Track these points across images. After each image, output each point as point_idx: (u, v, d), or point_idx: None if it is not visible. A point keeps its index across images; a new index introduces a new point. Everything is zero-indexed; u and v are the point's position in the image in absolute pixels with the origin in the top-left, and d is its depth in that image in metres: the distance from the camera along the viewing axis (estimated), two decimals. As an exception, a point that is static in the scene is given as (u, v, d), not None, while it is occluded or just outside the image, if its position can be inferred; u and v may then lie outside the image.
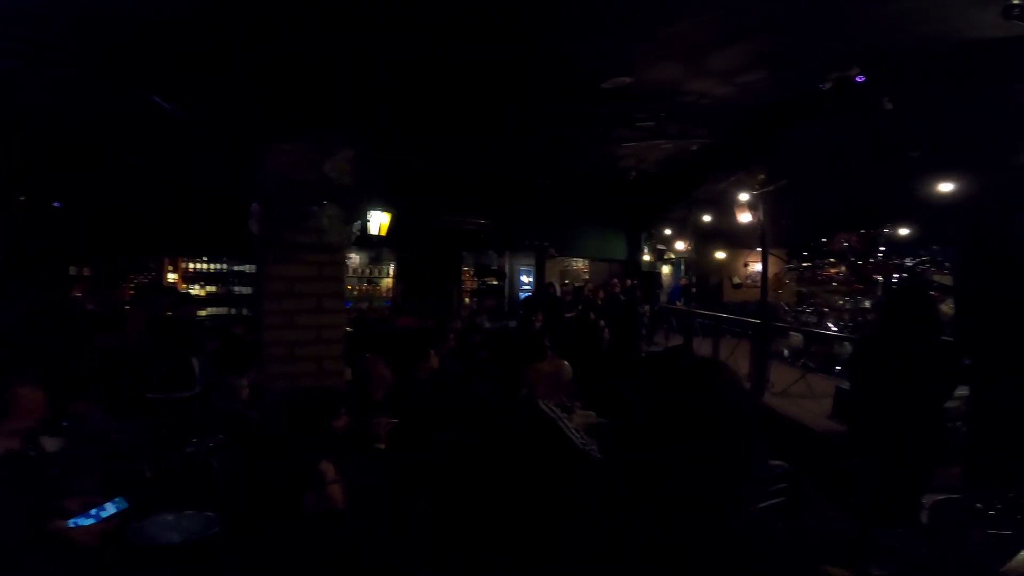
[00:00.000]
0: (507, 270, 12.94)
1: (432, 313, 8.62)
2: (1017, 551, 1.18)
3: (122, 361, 3.28)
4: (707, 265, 13.93)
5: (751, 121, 6.74)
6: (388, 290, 11.21)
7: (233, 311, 9.64)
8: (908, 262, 9.43)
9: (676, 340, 9.82)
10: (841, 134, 6.97)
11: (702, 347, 8.60)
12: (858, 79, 4.96)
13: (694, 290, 12.92)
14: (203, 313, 8.96)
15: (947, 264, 8.90)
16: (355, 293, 10.80)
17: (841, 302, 9.68)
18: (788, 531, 2.55)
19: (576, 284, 12.78)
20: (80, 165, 7.25)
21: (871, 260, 9.92)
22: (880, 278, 9.40)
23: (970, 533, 1.41)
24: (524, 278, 13.08)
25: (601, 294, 9.96)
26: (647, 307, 10.71)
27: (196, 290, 9.48)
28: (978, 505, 1.48)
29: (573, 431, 2.88)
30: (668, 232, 13.23)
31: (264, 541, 2.13)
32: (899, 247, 10.09)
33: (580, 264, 14.78)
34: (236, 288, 9.86)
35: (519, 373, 4.02)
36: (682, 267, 14.38)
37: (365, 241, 8.98)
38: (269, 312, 2.95)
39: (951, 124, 6.54)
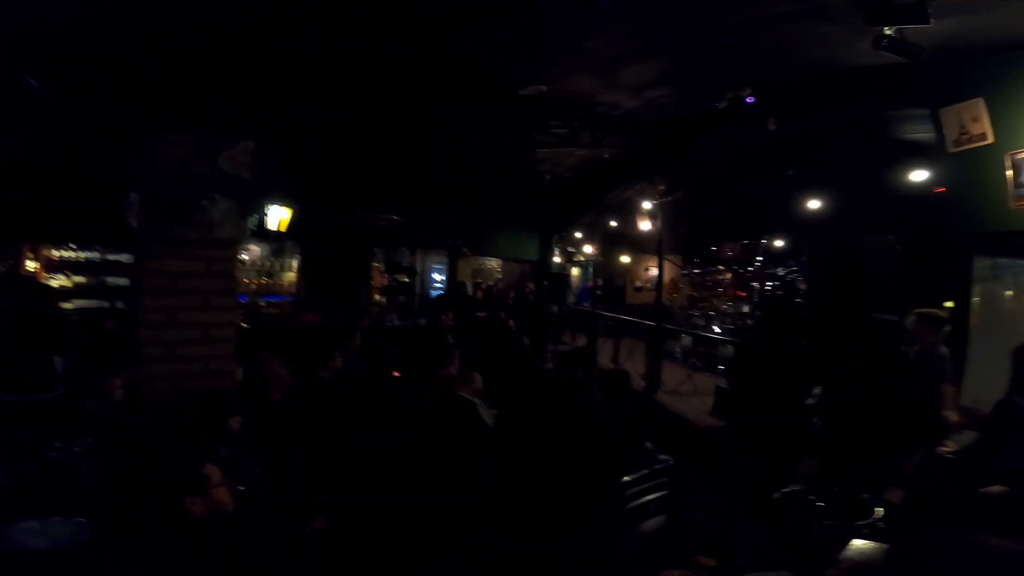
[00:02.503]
0: (419, 267, 12.78)
1: (339, 310, 8.33)
2: (850, 541, 1.36)
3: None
4: (613, 268, 14.60)
5: (656, 134, 7.16)
6: (290, 285, 10.64)
7: (106, 304, 8.70)
8: (780, 271, 10.48)
9: (582, 340, 10.19)
10: (732, 150, 7.61)
11: (604, 347, 9.00)
12: (749, 100, 5.43)
13: (599, 292, 13.50)
14: (69, 306, 8.02)
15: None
16: (253, 287, 10.15)
17: (725, 307, 10.54)
18: (668, 522, 2.75)
19: (488, 283, 12.89)
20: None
21: (750, 268, 10.91)
22: (757, 285, 10.36)
23: (809, 524, 1.61)
24: (436, 276, 12.98)
25: (512, 294, 10.12)
26: (556, 308, 11.04)
27: (61, 280, 8.45)
28: (813, 497, 1.70)
29: (488, 419, 2.94)
30: (578, 235, 13.71)
31: (143, 547, 1.99)
32: (774, 257, 11.19)
33: (493, 264, 14.91)
34: (110, 279, 8.89)
35: (426, 376, 4.01)
36: (590, 270, 14.96)
37: (265, 236, 8.51)
38: (148, 309, 2.72)
39: (821, 146, 7.36)
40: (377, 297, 11.82)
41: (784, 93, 5.52)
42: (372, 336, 6.63)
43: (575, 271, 15.45)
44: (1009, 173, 4.28)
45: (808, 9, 3.80)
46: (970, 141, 4.54)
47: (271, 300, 10.34)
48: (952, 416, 3.65)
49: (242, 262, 9.61)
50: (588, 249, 13.84)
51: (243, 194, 2.74)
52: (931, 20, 3.44)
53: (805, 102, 5.83)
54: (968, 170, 4.62)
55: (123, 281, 8.77)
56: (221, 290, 2.83)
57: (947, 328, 4.21)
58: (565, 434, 1.12)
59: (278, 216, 7.95)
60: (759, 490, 2.92)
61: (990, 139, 4.37)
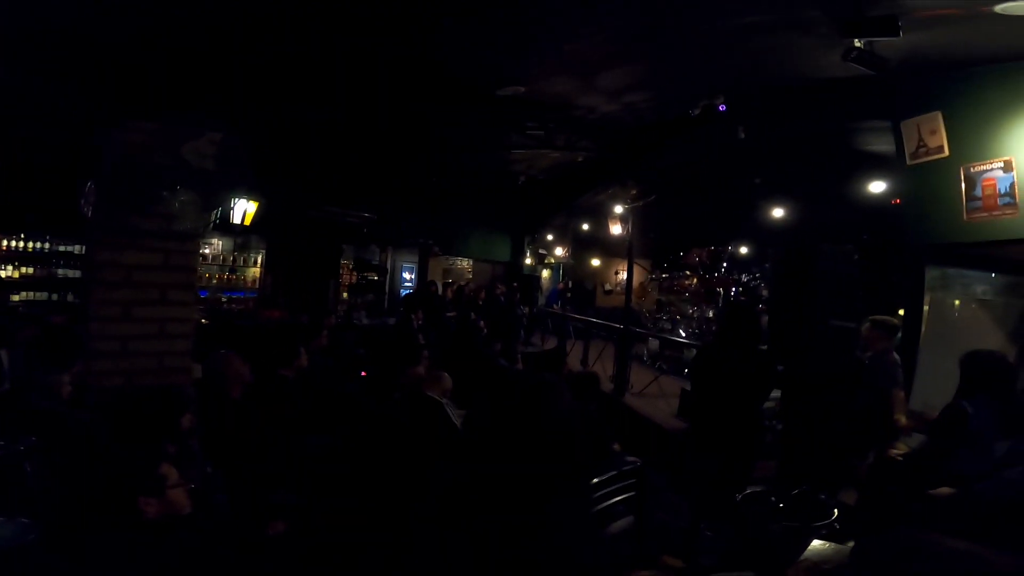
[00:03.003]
0: (389, 266, 12.63)
1: (305, 308, 8.15)
2: (809, 542, 1.39)
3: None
4: (583, 271, 14.72)
5: (631, 138, 7.23)
6: (254, 281, 10.36)
7: (56, 297, 8.32)
8: (744, 277, 10.76)
9: (551, 342, 10.23)
10: (702, 157, 7.76)
11: (574, 349, 9.05)
12: (721, 108, 5.53)
13: (570, 295, 13.59)
14: (17, 298, 7.64)
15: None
16: (214, 282, 9.84)
17: (691, 311, 10.75)
18: (636, 524, 2.78)
19: (459, 284, 12.83)
20: None
21: (716, 274, 11.17)
22: (721, 291, 10.61)
23: (770, 525, 1.65)
24: (406, 275, 12.85)
25: (483, 294, 10.09)
26: (526, 309, 11.06)
27: (8, 272, 8.05)
28: (773, 499, 1.74)
29: (456, 419, 2.90)
30: (550, 238, 13.78)
31: (94, 549, 1.90)
32: (739, 263, 11.49)
33: (464, 264, 14.86)
34: (60, 271, 8.50)
35: (394, 375, 3.95)
36: (560, 272, 15.04)
37: (229, 229, 8.27)
38: (100, 302, 2.60)
39: (787, 155, 7.56)
40: (345, 295, 11.63)
41: (754, 102, 5.64)
42: (339, 334, 6.52)
43: (546, 273, 15.52)
44: (963, 186, 4.47)
45: (783, 20, 3.88)
46: (927, 154, 4.71)
47: (233, 296, 10.06)
48: (902, 420, 3.78)
49: (203, 256, 9.31)
50: (559, 251, 13.92)
51: (206, 186, 2.65)
52: (900, 33, 3.56)
53: (774, 112, 5.97)
54: (924, 182, 4.80)
55: (75, 273, 8.41)
56: (179, 284, 2.73)
57: (899, 335, 4.37)
58: (534, 436, 1.11)
59: (243, 209, 7.74)
60: (720, 491, 2.98)
61: (946, 152, 4.55)
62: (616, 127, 6.72)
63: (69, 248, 8.44)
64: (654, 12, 3.87)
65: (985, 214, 4.38)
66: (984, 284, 5.99)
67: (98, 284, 2.60)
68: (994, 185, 4.32)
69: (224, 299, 9.84)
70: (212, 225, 8.26)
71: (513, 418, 1.11)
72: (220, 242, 9.96)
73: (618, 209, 8.67)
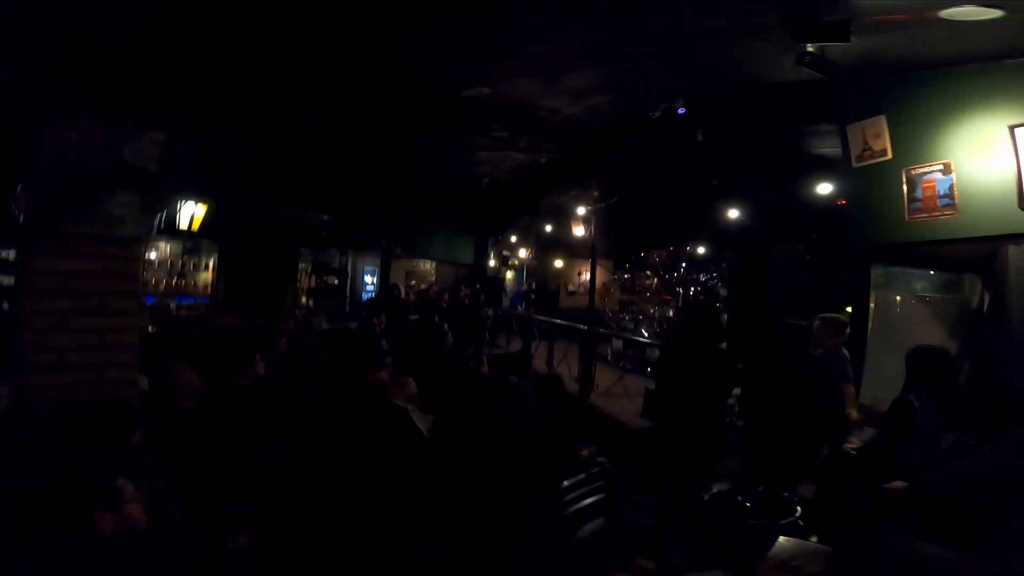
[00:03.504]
0: (350, 269, 12.37)
1: (260, 313, 7.89)
2: (775, 540, 1.41)
3: None
4: (547, 272, 14.79)
5: (593, 141, 7.29)
6: (206, 285, 9.95)
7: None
8: (702, 277, 11.05)
9: (516, 344, 10.23)
10: (662, 160, 7.90)
11: (539, 350, 9.07)
12: (680, 111, 5.63)
13: (533, 296, 13.62)
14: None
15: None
16: (162, 288, 9.38)
17: (652, 310, 10.95)
18: (606, 525, 2.78)
19: (422, 286, 12.68)
20: None
21: (676, 274, 11.42)
22: (680, 290, 10.85)
23: (736, 524, 1.67)
24: (368, 278, 12.61)
25: (446, 297, 10.00)
26: (490, 311, 11.02)
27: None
28: (739, 498, 1.77)
29: (422, 426, 2.84)
30: (513, 239, 13.78)
31: (47, 565, 1.79)
32: (697, 264, 11.79)
33: (427, 266, 14.70)
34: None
35: (356, 382, 3.85)
36: (524, 273, 15.07)
37: (177, 233, 7.93)
38: (34, 312, 2.43)
39: (742, 157, 7.79)
40: (304, 300, 11.32)
41: (712, 106, 5.77)
42: (298, 340, 6.33)
43: (509, 275, 15.52)
44: (905, 188, 4.67)
45: (742, 24, 3.97)
46: (872, 157, 4.91)
47: (183, 302, 9.63)
48: (853, 414, 3.93)
49: (150, 261, 8.88)
50: (523, 253, 13.94)
51: (149, 188, 2.51)
52: (851, 38, 3.69)
53: (730, 115, 6.13)
54: (869, 184, 5.00)
55: (8, 280, 7.89)
56: (120, 292, 2.57)
57: (847, 331, 4.54)
58: (499, 443, 1.08)
59: (191, 213, 7.43)
60: (685, 489, 3.02)
61: (889, 155, 4.75)
62: (579, 129, 6.77)
63: (4, 254, 7.92)
64: (616, 16, 3.90)
65: (925, 215, 4.59)
66: (923, 281, 6.32)
67: (31, 293, 2.42)
68: (934, 187, 4.54)
69: (174, 305, 9.41)
70: (156, 229, 7.90)
71: (478, 426, 1.09)
72: (168, 246, 9.52)
73: (581, 210, 8.74)
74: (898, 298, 6.09)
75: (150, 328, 6.93)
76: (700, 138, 6.09)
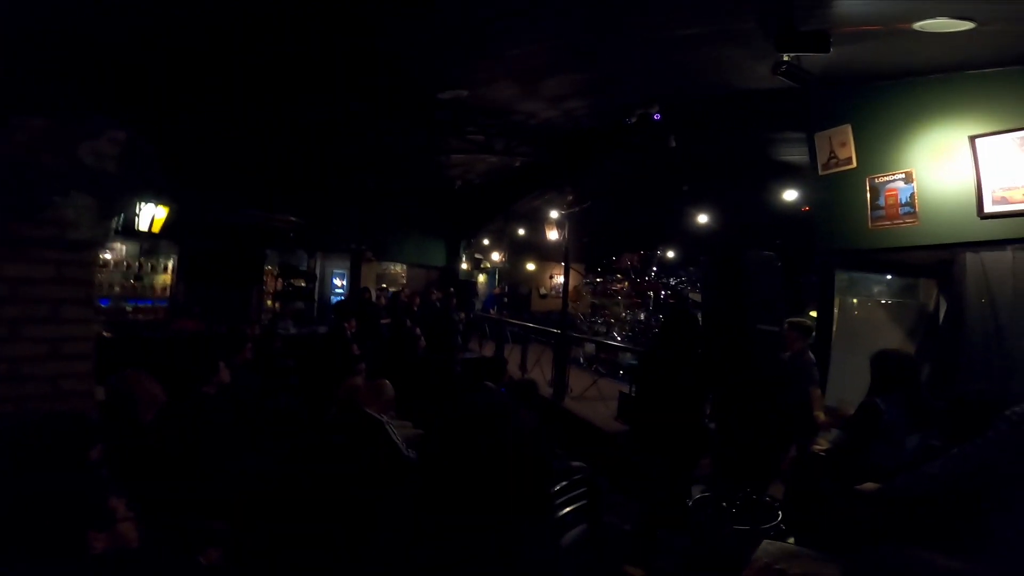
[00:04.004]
0: (318, 272, 12.10)
1: (223, 316, 7.63)
2: (759, 542, 1.41)
3: None
4: (519, 276, 14.78)
5: (568, 145, 7.32)
6: (165, 288, 9.51)
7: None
8: (672, 281, 11.23)
9: (489, 347, 10.18)
10: (636, 164, 7.99)
11: (512, 354, 9.03)
12: (656, 117, 5.69)
13: (506, 299, 13.59)
14: None
15: (699, 284, 10.80)
16: (117, 290, 8.93)
17: (624, 314, 11.05)
18: (590, 531, 2.75)
19: (392, 289, 12.50)
20: None
21: (647, 277, 11.57)
22: (652, 294, 11.00)
23: (722, 529, 1.68)
24: (337, 281, 12.36)
25: (417, 300, 9.86)
26: (463, 314, 10.92)
27: None
28: (724, 504, 1.77)
29: (399, 438, 2.76)
30: (486, 242, 13.73)
31: None
32: (668, 267, 11.98)
33: (398, 269, 14.51)
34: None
35: (328, 388, 3.73)
36: (496, 277, 15.03)
37: (135, 235, 7.61)
38: (-21, 321, 2.27)
39: (713, 163, 7.93)
40: (270, 303, 11.00)
41: (686, 111, 5.85)
42: (264, 345, 6.14)
43: (482, 278, 15.45)
44: (868, 196, 4.83)
45: (721, 32, 4.03)
46: (837, 165, 5.06)
47: (140, 304, 9.18)
48: (821, 416, 4.02)
49: (104, 263, 8.46)
50: (495, 256, 13.90)
51: (106, 190, 2.37)
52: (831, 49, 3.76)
53: (702, 121, 6.23)
54: (833, 192, 5.15)
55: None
56: (75, 299, 2.43)
57: (813, 335, 4.65)
58: (493, 464, 1.04)
59: (151, 215, 7.14)
60: (664, 491, 3.02)
61: (854, 164, 4.90)
62: (554, 133, 6.79)
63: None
64: (597, 22, 3.91)
65: (888, 223, 4.75)
66: (880, 286, 6.56)
67: (-24, 300, 2.26)
68: (896, 195, 4.70)
69: (129, 308, 8.98)
70: (114, 232, 7.58)
71: (471, 447, 1.05)
72: (124, 247, 9.08)
73: (554, 214, 8.76)
74: (855, 301, 6.31)
75: (104, 333, 6.62)
76: (673, 143, 6.17)
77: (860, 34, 3.78)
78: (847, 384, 4.54)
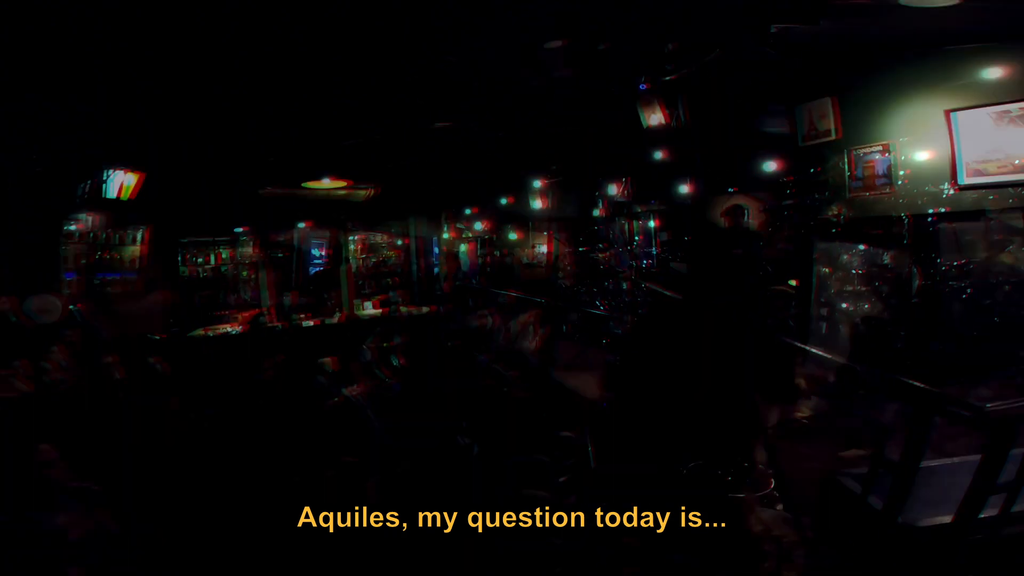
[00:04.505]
0: (296, 243, 11.96)
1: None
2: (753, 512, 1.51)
3: None
4: (504, 245, 14.73)
5: (554, 114, 7.22)
6: (134, 260, 9.17)
7: None
8: (654, 251, 11.31)
9: (475, 317, 10.21)
10: (619, 132, 7.93)
11: (497, 324, 9.07)
12: (642, 87, 5.64)
13: (490, 269, 13.60)
14: None
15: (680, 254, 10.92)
16: (84, 262, 8.57)
17: (607, 284, 11.14)
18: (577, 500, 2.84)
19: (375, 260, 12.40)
20: None
21: (630, 247, 11.63)
22: (635, 264, 11.09)
23: (718, 497, 1.78)
24: (317, 251, 12.24)
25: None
26: (447, 284, 10.93)
27: None
28: (719, 472, 1.87)
29: None
30: (469, 211, 13.62)
31: None
32: (651, 235, 12.01)
33: (379, 239, 14.35)
34: None
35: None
36: (481, 245, 14.97)
37: (104, 205, 7.30)
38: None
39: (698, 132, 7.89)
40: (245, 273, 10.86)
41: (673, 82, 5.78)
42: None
43: (464, 247, 15.39)
44: (847, 167, 4.94)
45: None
46: (818, 136, 5.15)
47: (109, 277, 8.87)
48: (802, 383, 4.19)
49: (70, 234, 8.06)
50: (479, 225, 13.81)
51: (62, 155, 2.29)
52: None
53: (688, 90, 6.18)
54: (814, 163, 5.26)
55: None
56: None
57: (794, 304, 4.81)
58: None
59: (120, 182, 6.81)
60: (659, 458, 3.13)
61: (835, 136, 4.99)
62: (540, 103, 6.68)
63: None
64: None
65: (866, 193, 4.89)
66: (855, 255, 6.73)
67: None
68: (874, 167, 4.82)
69: (97, 281, 8.66)
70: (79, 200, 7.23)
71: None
72: (91, 217, 8.60)
73: (538, 183, 8.73)
74: (828, 271, 6.49)
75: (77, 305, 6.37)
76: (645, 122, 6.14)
77: (847, 8, 3.79)
78: (826, 350, 4.72)
